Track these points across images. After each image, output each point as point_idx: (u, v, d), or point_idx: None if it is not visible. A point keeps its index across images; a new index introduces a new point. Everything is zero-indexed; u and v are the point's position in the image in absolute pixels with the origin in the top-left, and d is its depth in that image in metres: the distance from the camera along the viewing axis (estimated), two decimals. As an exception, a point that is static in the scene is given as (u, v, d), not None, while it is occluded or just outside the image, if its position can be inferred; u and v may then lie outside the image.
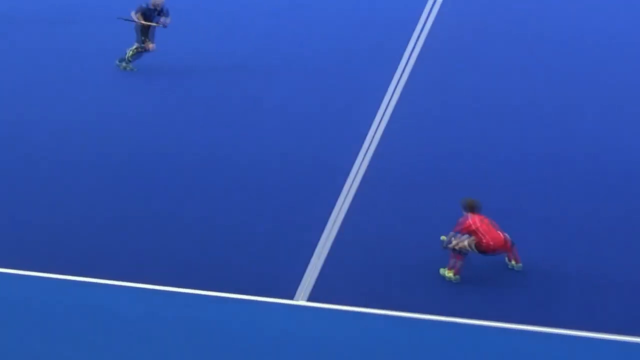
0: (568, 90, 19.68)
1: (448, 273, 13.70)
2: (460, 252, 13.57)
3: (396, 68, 20.24)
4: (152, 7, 19.60)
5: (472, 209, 13.71)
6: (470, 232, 13.55)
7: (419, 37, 21.67)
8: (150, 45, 19.51)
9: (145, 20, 19.43)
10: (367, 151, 17.07)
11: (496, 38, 22.24)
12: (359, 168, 16.54)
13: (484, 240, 13.51)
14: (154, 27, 19.56)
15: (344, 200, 15.57)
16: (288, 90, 19.85)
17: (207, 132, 18.03)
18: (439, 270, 13.74)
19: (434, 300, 13.26)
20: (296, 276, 13.64)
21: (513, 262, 13.95)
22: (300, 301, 13.19)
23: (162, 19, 19.58)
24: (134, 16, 19.47)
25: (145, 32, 19.59)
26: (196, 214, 15.32)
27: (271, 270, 13.88)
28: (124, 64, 19.97)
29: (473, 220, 13.59)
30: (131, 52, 19.83)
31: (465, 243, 13.50)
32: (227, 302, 13.12)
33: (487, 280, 13.69)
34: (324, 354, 12.13)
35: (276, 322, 12.88)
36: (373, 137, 17.66)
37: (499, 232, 13.66)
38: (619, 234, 14.79)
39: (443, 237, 13.94)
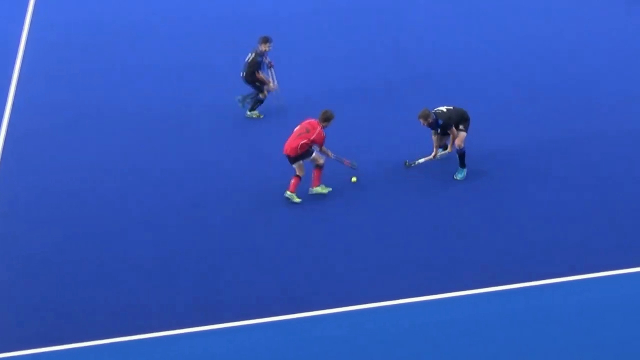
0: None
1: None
2: None
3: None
4: (262, 53, 18.15)
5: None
6: None
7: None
8: (272, 85, 18.35)
9: (258, 68, 18.04)
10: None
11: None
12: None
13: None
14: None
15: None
16: None
17: None
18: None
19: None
20: None
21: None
22: None
23: (267, 61, 18.22)
24: (261, 76, 18.07)
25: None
26: None
27: None
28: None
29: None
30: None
31: None
32: None
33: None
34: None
35: None
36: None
37: (298, 139, 15.19)
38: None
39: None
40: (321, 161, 15.55)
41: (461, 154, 15.83)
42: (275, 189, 15.84)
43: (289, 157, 15.32)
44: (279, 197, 15.61)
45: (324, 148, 15.54)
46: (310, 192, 15.63)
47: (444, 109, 15.79)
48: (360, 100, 18.90)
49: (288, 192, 15.50)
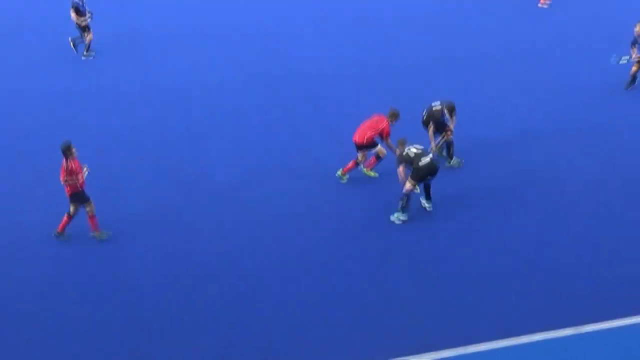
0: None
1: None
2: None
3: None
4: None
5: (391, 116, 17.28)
6: None
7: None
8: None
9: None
10: None
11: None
12: None
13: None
14: None
15: None
16: None
17: None
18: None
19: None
20: None
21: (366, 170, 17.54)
22: None
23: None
24: (430, 133, 17.91)
25: None
26: None
27: None
28: None
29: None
30: None
31: None
32: None
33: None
34: None
35: None
36: None
37: (367, 131, 17.03)
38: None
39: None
40: (383, 153, 17.36)
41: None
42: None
43: (356, 144, 17.17)
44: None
45: (389, 141, 17.23)
46: (362, 171, 17.49)
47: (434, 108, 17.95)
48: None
49: (364, 170, 17.54)
